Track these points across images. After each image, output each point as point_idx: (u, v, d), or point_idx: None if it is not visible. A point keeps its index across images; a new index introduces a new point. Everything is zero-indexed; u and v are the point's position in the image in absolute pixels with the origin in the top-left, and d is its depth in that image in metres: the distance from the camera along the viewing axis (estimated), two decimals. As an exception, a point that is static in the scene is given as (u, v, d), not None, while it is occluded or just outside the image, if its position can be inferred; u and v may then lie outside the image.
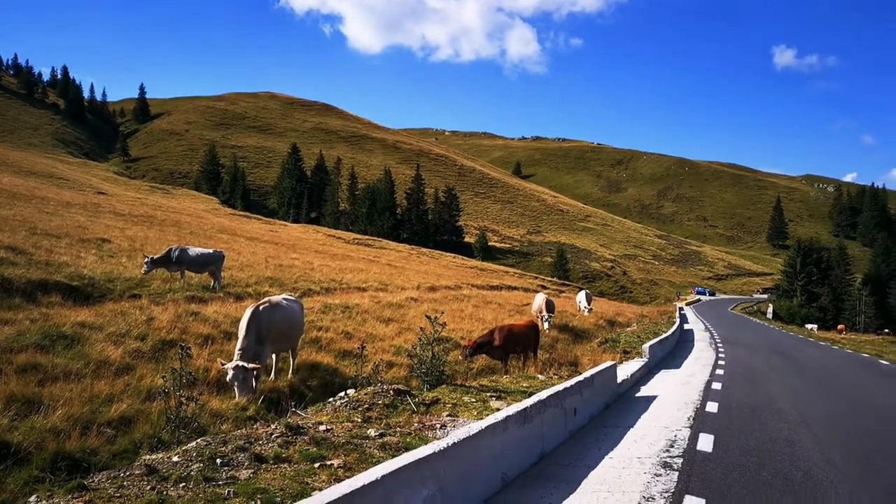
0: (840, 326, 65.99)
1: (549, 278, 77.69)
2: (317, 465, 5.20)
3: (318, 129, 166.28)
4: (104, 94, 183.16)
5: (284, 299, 9.99)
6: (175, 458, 5.11)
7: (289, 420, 6.15)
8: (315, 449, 5.49)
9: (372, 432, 6.12)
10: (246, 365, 7.86)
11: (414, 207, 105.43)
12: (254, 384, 8.22)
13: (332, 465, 5.20)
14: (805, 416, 10.38)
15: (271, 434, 5.71)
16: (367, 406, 7.01)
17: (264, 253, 31.88)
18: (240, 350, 8.15)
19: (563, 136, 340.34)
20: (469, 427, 5.82)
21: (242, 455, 5.17)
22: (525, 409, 6.99)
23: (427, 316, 9.38)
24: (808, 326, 59.78)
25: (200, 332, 11.71)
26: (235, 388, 7.82)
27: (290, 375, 10.30)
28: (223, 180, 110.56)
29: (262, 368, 9.20)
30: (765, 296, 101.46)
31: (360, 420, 6.51)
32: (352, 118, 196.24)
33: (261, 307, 8.95)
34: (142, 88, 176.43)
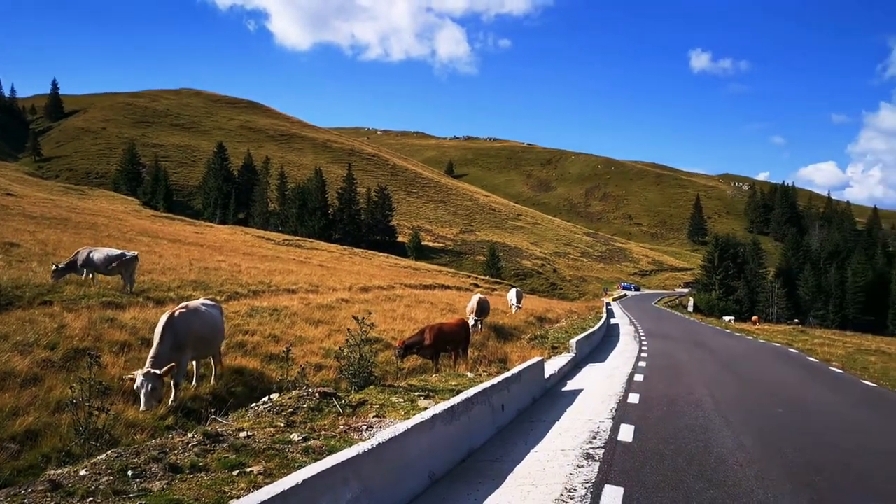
0: (754, 318, 69.66)
1: (482, 277, 78.53)
2: (235, 472, 5.05)
3: (246, 127, 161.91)
4: (13, 90, 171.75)
5: (203, 304, 9.65)
6: (83, 472, 4.85)
7: (207, 428, 5.95)
8: (234, 456, 5.33)
9: (295, 437, 6.01)
10: (157, 372, 7.53)
11: (346, 207, 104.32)
12: (162, 394, 7.88)
13: (251, 471, 5.06)
14: (720, 403, 10.90)
15: (188, 443, 5.50)
16: (291, 410, 6.87)
17: (188, 255, 30.76)
18: (152, 357, 7.81)
19: (494, 135, 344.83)
20: (395, 427, 5.81)
21: (156, 466, 4.96)
22: (452, 408, 7.03)
23: (354, 317, 9.28)
24: (726, 318, 62.82)
25: (117, 340, 11.18)
26: (142, 397, 7.48)
27: (212, 382, 9.97)
28: (144, 180, 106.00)
29: (182, 375, 8.87)
30: (686, 290, 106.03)
31: (283, 425, 6.37)
32: (280, 116, 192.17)
33: (176, 313, 8.61)
34: (54, 84, 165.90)
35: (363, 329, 8.95)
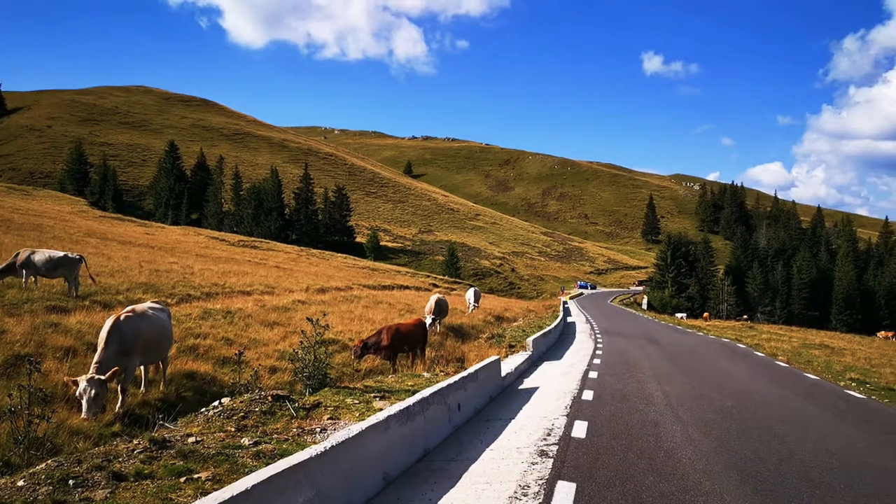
0: (705, 314, 71.63)
1: (441, 277, 78.62)
2: (183, 479, 4.93)
3: (198, 125, 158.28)
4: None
5: (150, 307, 9.38)
6: (21, 483, 4.66)
7: (154, 434, 5.79)
8: (182, 462, 5.20)
9: (246, 441, 5.90)
10: (101, 377, 7.28)
11: (303, 207, 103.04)
12: (106, 401, 7.62)
13: (199, 478, 4.94)
14: (670, 398, 11.16)
15: (133, 450, 5.34)
16: (242, 414, 6.74)
17: (138, 257, 29.91)
18: (96, 363, 7.54)
19: (452, 135, 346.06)
20: (349, 429, 5.77)
21: (99, 474, 4.80)
22: (408, 408, 7.03)
23: (309, 319, 9.17)
24: (678, 315, 64.38)
25: (61, 345, 10.80)
26: (84, 403, 7.22)
27: (162, 387, 9.71)
28: (92, 180, 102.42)
29: (130, 380, 8.61)
30: (640, 288, 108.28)
31: (233, 429, 6.25)
32: (235, 115, 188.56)
33: (122, 317, 8.34)
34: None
35: (317, 330, 8.85)
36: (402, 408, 6.87)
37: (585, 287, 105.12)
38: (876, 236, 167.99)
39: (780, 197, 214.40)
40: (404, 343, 13.81)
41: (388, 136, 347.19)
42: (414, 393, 8.18)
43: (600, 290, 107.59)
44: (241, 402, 7.23)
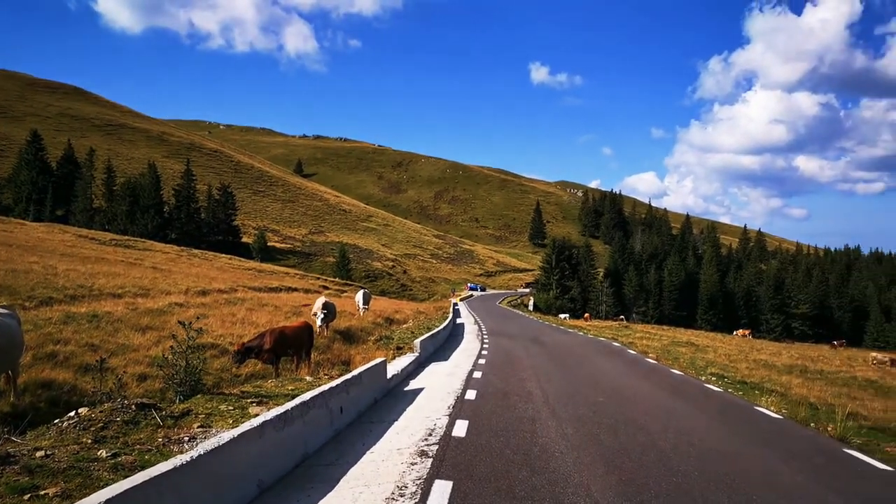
0: (586, 315, 75.26)
1: (332, 278, 77.36)
2: (27, 496, 4.50)
3: (67, 114, 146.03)
4: None
5: (-4, 312, 8.53)
6: None
7: (-5, 450, 5.25)
8: (27, 478, 4.74)
9: (104, 453, 5.48)
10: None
11: (184, 205, 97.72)
12: None
13: (46, 494, 4.54)
14: (548, 395, 11.61)
15: (-33, 469, 4.81)
16: (101, 425, 6.27)
17: (-8, 256, 27.11)
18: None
19: (344, 135, 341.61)
20: (220, 437, 5.53)
21: (-76, 498, 4.29)
22: (286, 413, 6.84)
23: (181, 322, 8.70)
24: (562, 316, 67.22)
25: None
26: None
27: (12, 398, 8.85)
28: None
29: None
30: (527, 290, 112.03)
31: (90, 441, 5.79)
32: (108, 104, 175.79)
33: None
34: None
35: (190, 334, 8.41)
36: (279, 413, 6.68)
37: (475, 289, 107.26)
38: (736, 243, 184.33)
39: (653, 205, 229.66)
40: (289, 346, 13.43)
41: (278, 134, 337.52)
42: (294, 397, 7.98)
43: (490, 291, 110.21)
44: (101, 411, 6.73)
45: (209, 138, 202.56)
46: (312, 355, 14.95)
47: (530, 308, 77.42)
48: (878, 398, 17.71)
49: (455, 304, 53.87)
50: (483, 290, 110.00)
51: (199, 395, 8.46)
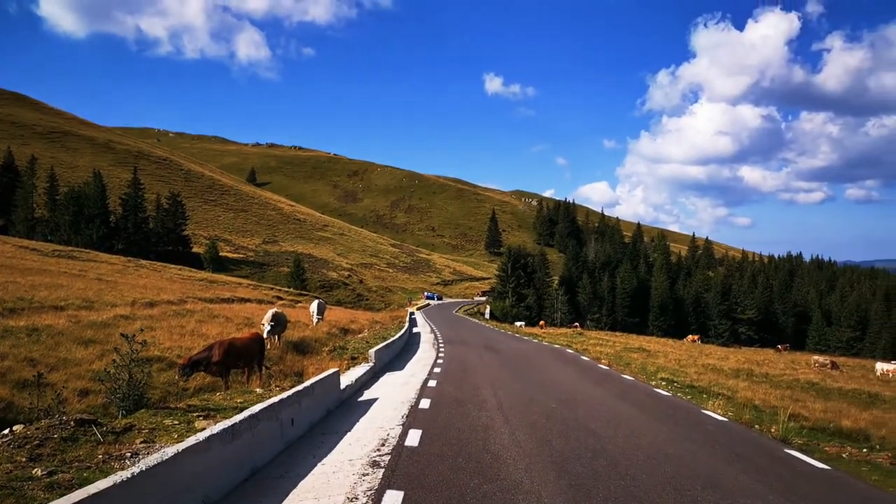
0: (541, 322, 76.05)
1: (286, 289, 76.17)
2: (-47, 521, 4.28)
3: (6, 121, 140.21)
4: None
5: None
6: None
7: (-83, 472, 4.97)
8: (-46, 502, 4.52)
9: (39, 471, 5.25)
10: None
11: (131, 215, 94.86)
12: None
13: (-26, 518, 4.32)
14: (502, 402, 11.67)
15: None
16: (37, 442, 6.01)
17: (-78, 268, 25.79)
18: None
19: (299, 144, 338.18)
20: (164, 451, 5.36)
21: None
22: (233, 426, 6.69)
23: (123, 335, 8.41)
24: (518, 324, 67.78)
25: None
26: None
27: (-59, 417, 8.42)
28: None
29: None
30: (483, 298, 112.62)
31: (25, 459, 5.54)
32: (51, 111, 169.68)
33: None
34: None
35: (134, 347, 8.15)
36: (226, 426, 6.52)
37: (432, 298, 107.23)
38: (685, 250, 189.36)
39: (606, 213, 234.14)
40: (239, 358, 13.14)
41: (230, 142, 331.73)
42: (243, 410, 7.81)
43: (446, 300, 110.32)
44: (38, 428, 6.44)
45: (158, 146, 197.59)
46: (264, 367, 14.68)
47: (487, 316, 77.77)
48: (819, 400, 18.39)
49: (411, 314, 53.72)
50: (440, 298, 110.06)
51: (143, 410, 8.20)
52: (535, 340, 35.15)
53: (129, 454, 6.13)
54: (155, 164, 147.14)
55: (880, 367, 37.18)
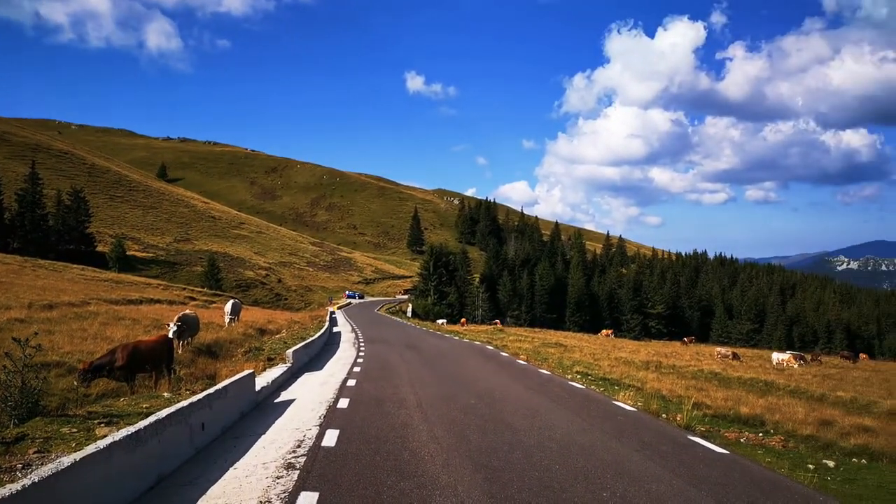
0: (463, 320, 76.82)
1: (200, 289, 73.33)
2: None
3: None
4: None
5: None
6: None
7: None
8: None
9: (-86, 489, 4.81)
10: None
11: (28, 212, 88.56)
12: None
13: None
14: (422, 400, 11.69)
15: None
16: (-88, 458, 5.51)
17: None
18: None
19: (214, 139, 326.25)
20: (59, 462, 5.05)
21: None
22: (137, 433, 6.37)
23: (15, 339, 7.84)
24: (439, 321, 68.17)
25: None
26: None
27: None
28: None
29: None
30: (406, 296, 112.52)
31: None
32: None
33: None
34: None
35: (27, 352, 7.61)
36: (130, 433, 6.21)
37: (354, 297, 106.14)
38: (600, 248, 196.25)
39: (526, 212, 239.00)
40: (145, 362, 12.53)
41: (139, 136, 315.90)
42: (149, 415, 7.46)
43: (368, 299, 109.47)
44: (-88, 443, 5.91)
45: (59, 139, 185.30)
46: (173, 371, 14.07)
47: (409, 315, 77.78)
48: (721, 388, 19.52)
49: (332, 313, 52.98)
50: (361, 297, 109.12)
51: (38, 418, 7.67)
52: (457, 338, 35.47)
53: (20, 465, 5.72)
54: (55, 158, 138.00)
55: (776, 356, 39.93)
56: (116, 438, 5.93)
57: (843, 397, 20.03)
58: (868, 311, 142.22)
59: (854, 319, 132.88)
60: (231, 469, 7.11)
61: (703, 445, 8.82)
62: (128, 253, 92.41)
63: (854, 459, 9.24)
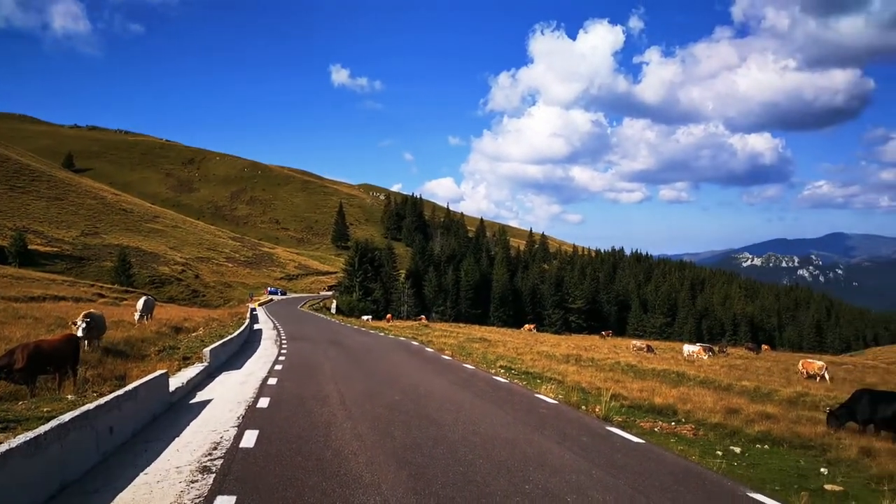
0: (388, 316, 76.55)
1: (109, 285, 69.62)
2: None
3: None
4: None
5: None
6: None
7: None
8: None
9: None
10: None
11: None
12: None
13: None
14: (345, 397, 11.53)
15: None
16: None
17: None
18: None
19: (126, 128, 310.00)
20: (-56, 474, 4.62)
21: None
22: (37, 438, 5.94)
23: None
24: (364, 317, 67.59)
25: None
26: None
27: None
28: None
29: None
30: (330, 293, 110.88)
31: None
32: None
33: None
34: None
35: None
36: (28, 439, 5.77)
37: (276, 293, 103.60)
38: (524, 245, 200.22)
39: (451, 209, 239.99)
40: (48, 363, 11.72)
41: (43, 123, 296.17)
42: (50, 420, 6.97)
43: (291, 295, 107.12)
44: None
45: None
46: (81, 371, 13.25)
47: (333, 311, 76.71)
48: (637, 380, 20.29)
49: (253, 310, 51.56)
50: (284, 294, 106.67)
51: (-80, 427, 7.03)
52: (382, 334, 35.27)
53: None
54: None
55: (687, 349, 41.99)
56: (13, 445, 5.51)
57: (748, 386, 21.28)
58: (770, 305, 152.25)
59: (757, 313, 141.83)
60: (142, 475, 6.75)
61: (620, 435, 9.12)
62: (30, 247, 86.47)
63: (758, 445, 9.80)
